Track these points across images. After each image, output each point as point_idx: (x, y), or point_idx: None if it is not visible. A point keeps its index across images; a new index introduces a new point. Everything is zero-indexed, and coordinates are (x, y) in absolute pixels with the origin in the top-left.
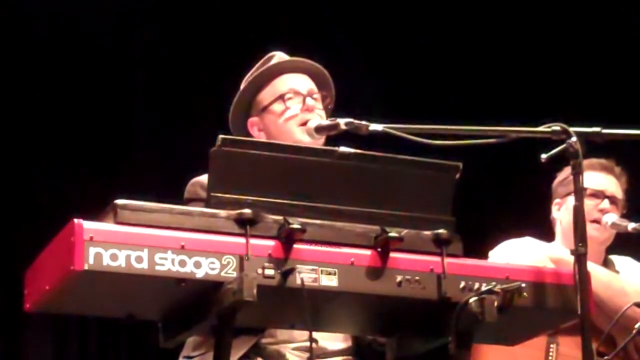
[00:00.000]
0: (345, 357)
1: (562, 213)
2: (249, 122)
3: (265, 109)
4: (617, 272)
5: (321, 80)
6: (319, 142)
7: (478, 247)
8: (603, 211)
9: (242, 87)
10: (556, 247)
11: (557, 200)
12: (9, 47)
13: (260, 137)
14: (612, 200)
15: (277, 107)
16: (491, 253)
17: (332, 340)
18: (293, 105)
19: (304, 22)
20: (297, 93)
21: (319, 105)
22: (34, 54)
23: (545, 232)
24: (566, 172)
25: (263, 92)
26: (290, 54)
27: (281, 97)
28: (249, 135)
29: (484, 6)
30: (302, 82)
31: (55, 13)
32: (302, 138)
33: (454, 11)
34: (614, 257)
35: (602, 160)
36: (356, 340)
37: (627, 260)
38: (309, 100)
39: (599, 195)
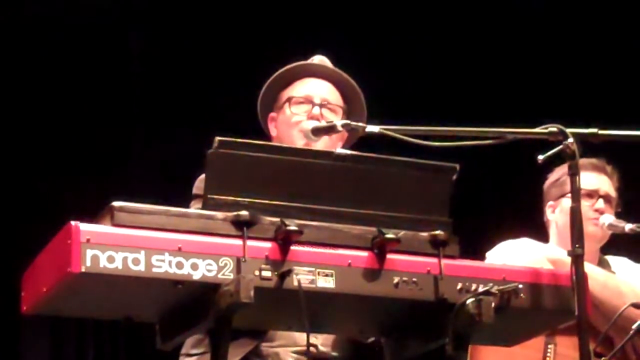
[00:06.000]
0: None
1: (557, 215)
2: (269, 117)
3: (281, 107)
4: (613, 272)
5: (349, 94)
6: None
7: (475, 249)
8: (598, 211)
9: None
10: (554, 248)
11: (550, 203)
12: (10, 48)
13: (274, 132)
14: (607, 199)
15: (287, 109)
16: (488, 254)
17: (333, 347)
18: (300, 111)
19: (302, 22)
20: (308, 100)
21: (332, 116)
22: (34, 55)
23: (543, 233)
24: (558, 173)
25: (285, 90)
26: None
27: (289, 100)
28: (268, 128)
29: (481, 7)
30: (319, 90)
31: (56, 13)
32: (302, 144)
33: (451, 12)
34: (609, 258)
35: (593, 160)
36: (356, 346)
37: (623, 261)
38: (315, 109)
39: (593, 195)
